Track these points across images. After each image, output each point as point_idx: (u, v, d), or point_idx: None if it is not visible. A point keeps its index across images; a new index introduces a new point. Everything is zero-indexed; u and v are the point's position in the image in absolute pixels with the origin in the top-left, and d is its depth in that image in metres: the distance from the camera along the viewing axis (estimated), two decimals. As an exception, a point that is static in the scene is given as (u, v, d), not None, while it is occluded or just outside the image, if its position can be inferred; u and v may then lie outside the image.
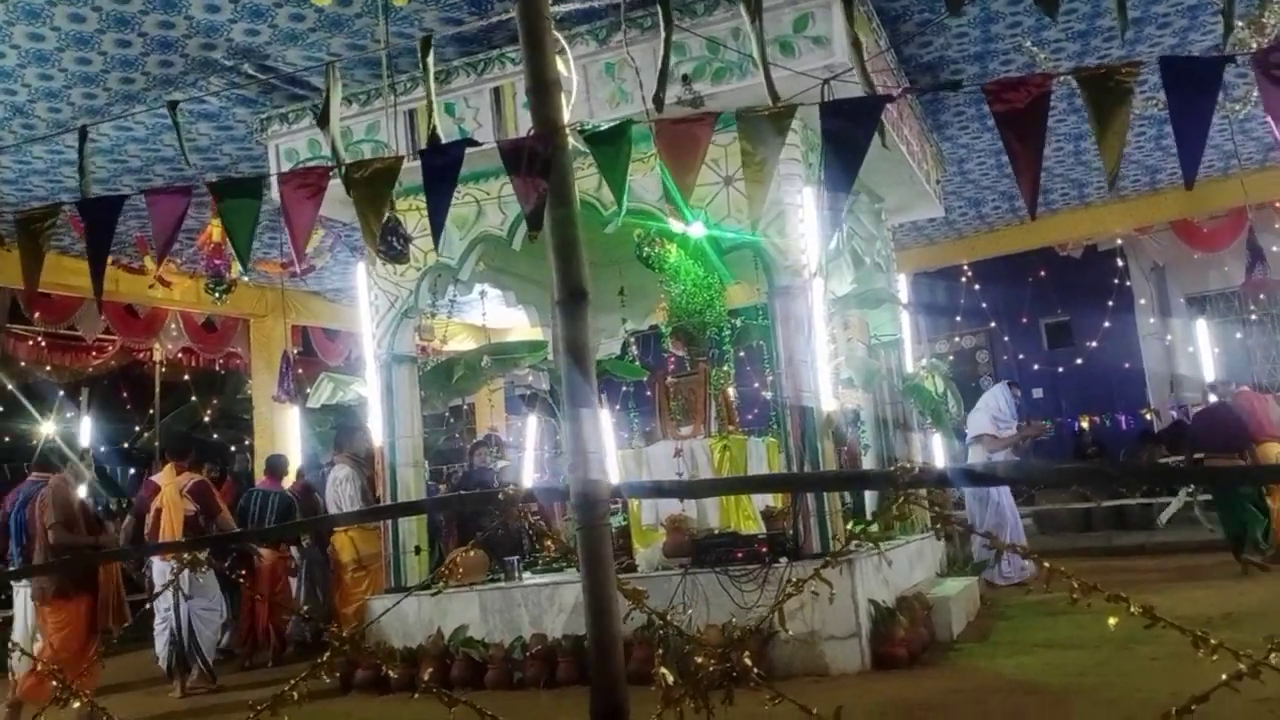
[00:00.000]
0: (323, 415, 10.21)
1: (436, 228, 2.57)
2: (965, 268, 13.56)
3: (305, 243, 3.00)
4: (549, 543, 6.76)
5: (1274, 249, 12.33)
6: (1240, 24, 5.76)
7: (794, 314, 6.27)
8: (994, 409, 9.50)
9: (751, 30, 2.70)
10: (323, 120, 3.33)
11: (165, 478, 7.66)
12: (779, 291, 6.34)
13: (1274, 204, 11.69)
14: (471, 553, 6.73)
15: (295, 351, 11.55)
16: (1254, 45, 5.67)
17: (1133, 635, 4.84)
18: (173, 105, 3.49)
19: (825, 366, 6.40)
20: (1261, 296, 13.05)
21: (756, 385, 10.37)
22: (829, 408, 6.41)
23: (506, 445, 10.30)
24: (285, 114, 7.22)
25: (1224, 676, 1.95)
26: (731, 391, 7.92)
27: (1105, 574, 8.93)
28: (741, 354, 9.12)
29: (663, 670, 2.31)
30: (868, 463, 8.61)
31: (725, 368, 7.77)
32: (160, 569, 7.38)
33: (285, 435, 11.45)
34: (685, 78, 5.99)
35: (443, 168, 2.55)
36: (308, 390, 10.96)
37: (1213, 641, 1.98)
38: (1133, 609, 2.02)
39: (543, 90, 2.25)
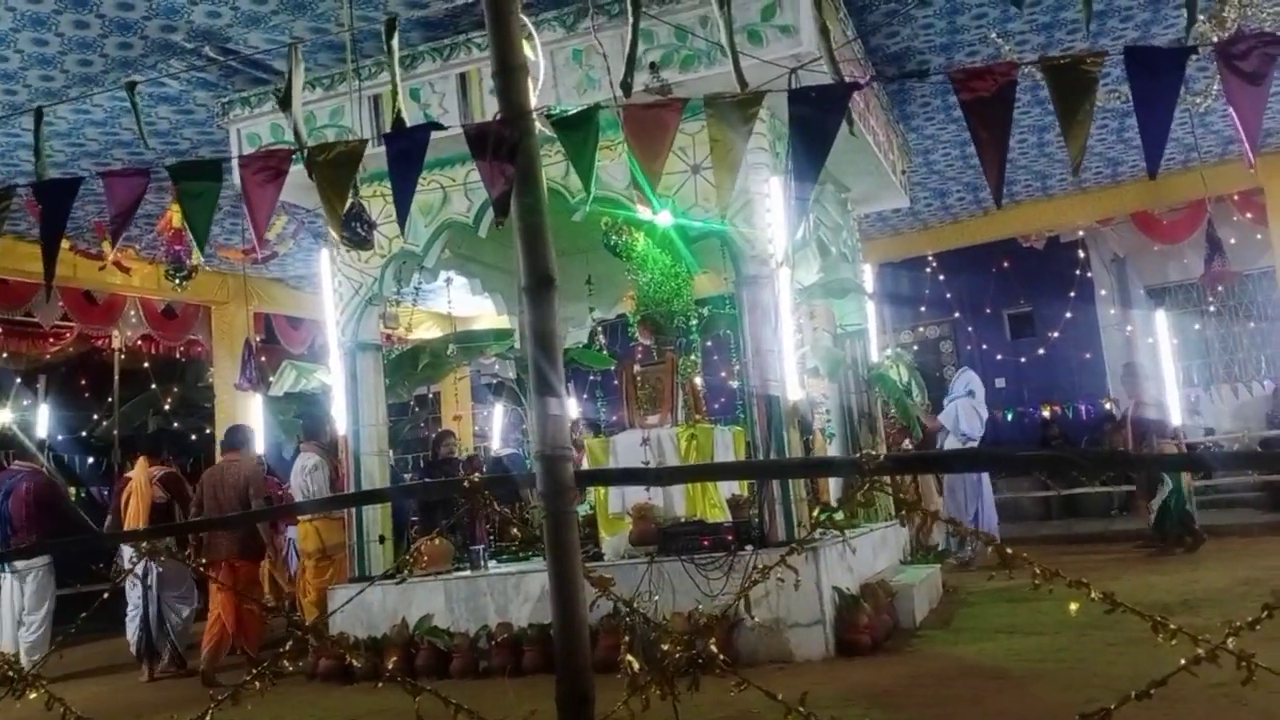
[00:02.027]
0: (286, 403, 10.08)
1: (401, 214, 2.54)
2: (930, 258, 13.68)
3: (266, 228, 2.95)
4: (514, 530, 6.74)
5: (1232, 241, 12.57)
6: (1202, 18, 5.84)
7: (761, 303, 6.28)
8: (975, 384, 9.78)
9: (719, 17, 2.69)
10: (285, 103, 3.27)
11: (137, 470, 7.87)
12: (746, 281, 6.35)
13: (1232, 197, 11.88)
14: (437, 541, 6.72)
15: (258, 339, 11.41)
16: (1215, 38, 5.75)
17: (1093, 621, 4.92)
18: (131, 87, 3.42)
19: (791, 356, 6.42)
20: (1220, 288, 13.27)
21: (724, 374, 10.40)
22: (795, 397, 6.44)
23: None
24: (247, 98, 7.11)
25: (1182, 661, 1.98)
26: (699, 380, 7.93)
27: (1065, 561, 9.16)
28: (709, 343, 9.14)
29: (629, 658, 2.31)
30: (833, 451, 8.66)
31: (692, 357, 7.77)
32: (129, 556, 7.37)
33: (248, 423, 11.29)
34: (653, 65, 5.97)
35: (407, 153, 2.52)
36: (270, 378, 10.82)
37: (1171, 626, 2.01)
38: (1093, 595, 2.05)
39: (509, 75, 2.22)
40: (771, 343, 6.25)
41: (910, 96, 8.53)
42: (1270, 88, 2.36)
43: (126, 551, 7.62)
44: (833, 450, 8.61)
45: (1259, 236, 12.05)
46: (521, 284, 2.13)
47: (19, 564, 7.57)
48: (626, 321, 8.39)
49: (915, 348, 14.82)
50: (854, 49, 6.80)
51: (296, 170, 2.90)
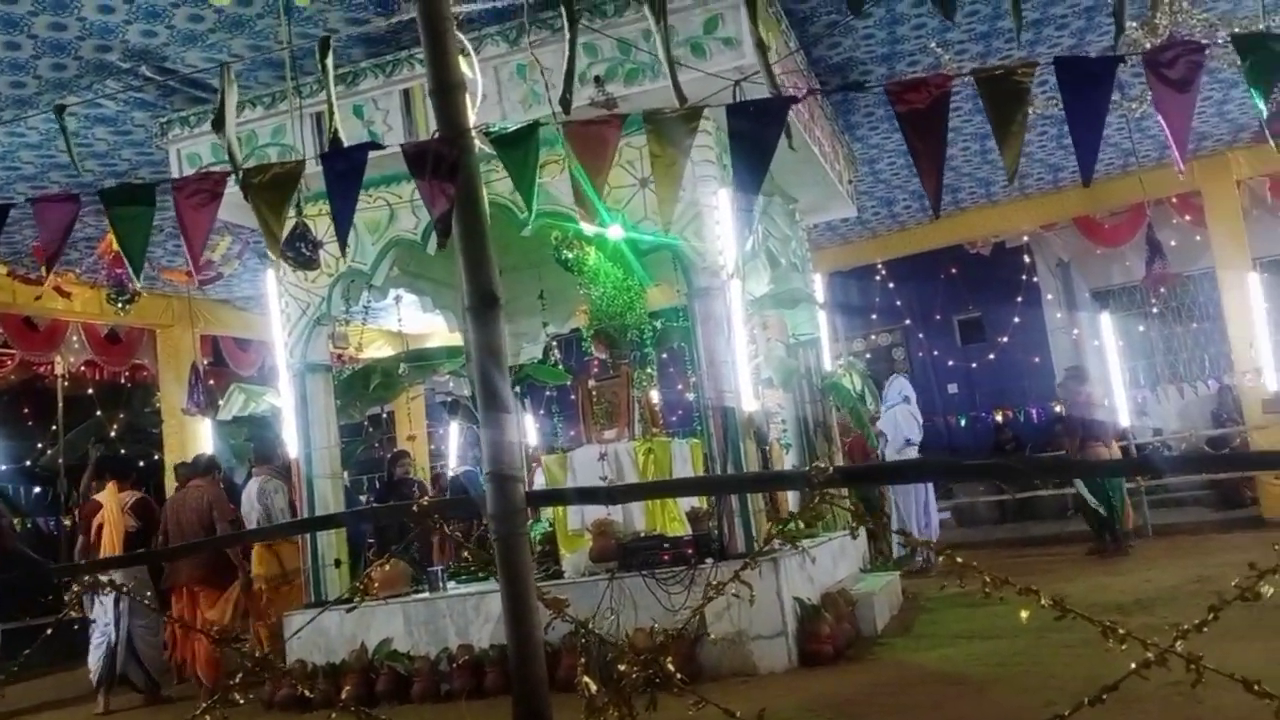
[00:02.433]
0: (236, 427, 9.91)
1: (342, 232, 2.49)
2: (879, 266, 13.80)
3: (202, 251, 2.89)
4: (465, 554, 6.65)
5: (1173, 243, 12.82)
6: (1134, 25, 5.95)
7: (713, 315, 6.29)
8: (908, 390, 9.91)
9: (657, 31, 2.68)
10: (217, 124, 3.21)
11: (108, 495, 7.76)
12: (698, 293, 6.35)
13: (1171, 200, 12.14)
14: (391, 564, 6.63)
15: (205, 362, 11.21)
16: (1147, 45, 5.87)
17: (1049, 624, 4.93)
18: (60, 109, 3.34)
19: (745, 366, 6.43)
20: (1162, 290, 13.51)
21: (680, 387, 10.40)
22: (750, 408, 6.44)
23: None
24: (186, 117, 6.98)
25: (1133, 665, 1.99)
26: (655, 394, 7.92)
27: (1021, 563, 9.29)
28: (664, 356, 9.14)
29: (585, 679, 2.27)
30: (790, 461, 8.69)
31: (648, 370, 7.76)
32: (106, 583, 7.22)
33: (197, 448, 11.06)
34: (598, 79, 5.97)
35: (346, 172, 2.48)
36: (219, 402, 10.63)
37: (1121, 631, 2.02)
38: (1043, 601, 2.06)
39: (446, 92, 2.19)
40: (725, 354, 6.26)
41: (855, 106, 8.62)
42: (1198, 94, 2.40)
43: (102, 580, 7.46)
44: (789, 460, 8.63)
45: (1198, 238, 12.32)
46: (465, 304, 2.10)
47: None
48: (581, 336, 8.36)
49: (868, 355, 14.95)
50: (797, 60, 6.85)
51: (234, 191, 2.85)
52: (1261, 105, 2.73)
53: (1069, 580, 7.78)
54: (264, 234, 2.71)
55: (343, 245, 2.60)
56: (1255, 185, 11.83)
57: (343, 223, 2.50)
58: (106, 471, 8.31)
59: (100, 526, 7.56)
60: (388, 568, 6.28)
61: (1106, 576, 7.85)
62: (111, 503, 7.64)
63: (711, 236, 6.29)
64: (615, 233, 6.51)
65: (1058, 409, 13.51)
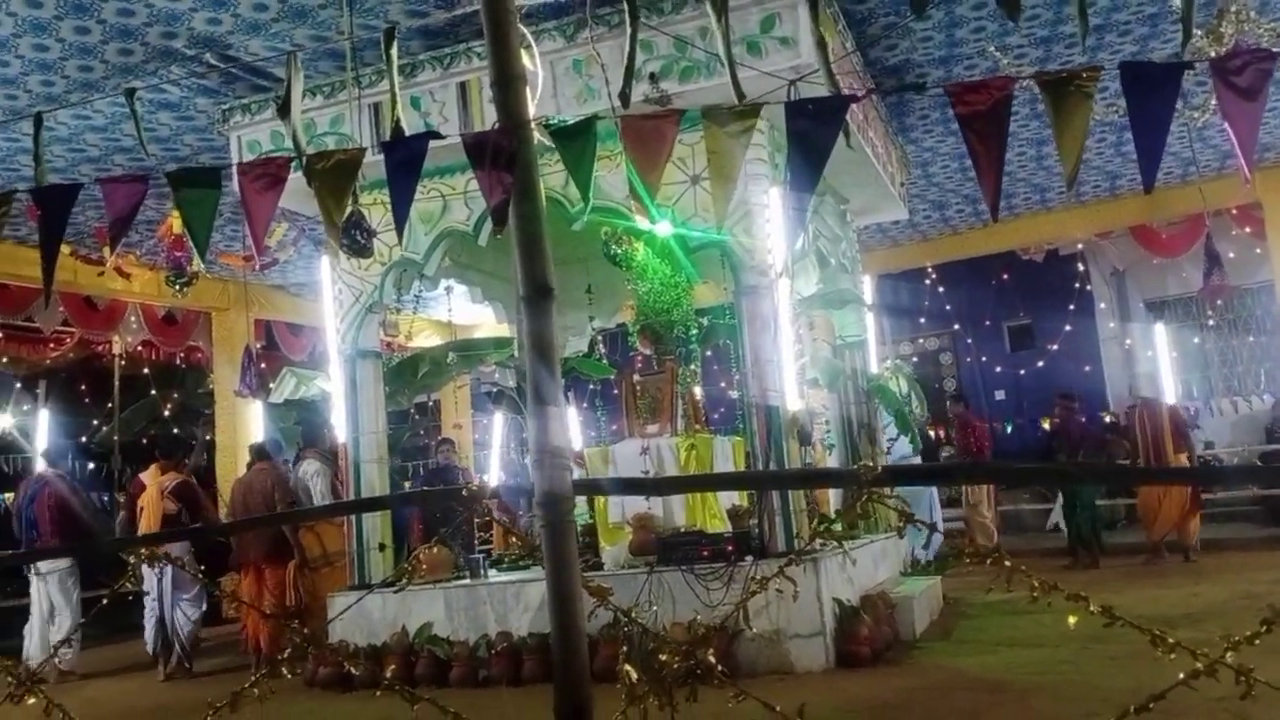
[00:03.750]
0: (286, 410, 10.08)
1: (400, 221, 2.54)
2: (929, 270, 13.68)
3: (265, 235, 2.96)
4: (514, 540, 6.72)
5: (1230, 255, 12.57)
6: (1199, 32, 5.85)
7: (760, 313, 6.29)
8: None
9: (717, 28, 2.69)
10: (284, 110, 3.28)
11: (150, 476, 8.03)
12: (745, 291, 6.35)
13: (1230, 211, 11.89)
14: (435, 550, 6.71)
15: (258, 345, 11.40)
16: (1212, 53, 5.76)
17: (1094, 634, 4.90)
18: (130, 93, 3.43)
19: (791, 366, 6.42)
20: (1219, 302, 13.27)
21: (724, 384, 10.39)
22: (794, 407, 6.43)
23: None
24: (247, 105, 7.12)
25: (1181, 675, 1.97)
26: (698, 390, 7.93)
27: (1068, 574, 9.18)
28: (709, 353, 9.14)
29: (627, 668, 2.30)
30: (832, 462, 8.65)
31: (692, 366, 7.77)
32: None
33: (248, 430, 11.29)
34: (652, 76, 5.98)
35: (406, 161, 2.52)
36: (270, 385, 10.82)
37: (1170, 640, 2.00)
38: (1092, 608, 2.04)
39: (507, 85, 2.22)
40: (771, 353, 6.25)
41: (909, 109, 8.55)
42: (1266, 103, 2.36)
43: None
44: (832, 461, 8.59)
45: (1258, 251, 12.06)
46: (519, 293, 2.13)
47: (43, 566, 7.83)
48: (626, 331, 8.40)
49: (915, 359, 14.83)
50: (853, 61, 6.81)
51: (296, 178, 2.91)
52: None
53: (1117, 592, 7.66)
54: (324, 219, 2.77)
55: (400, 234, 2.64)
56: (1320, 198, 11.54)
57: (401, 212, 2.55)
58: (155, 451, 8.56)
59: (142, 509, 7.83)
60: (435, 551, 6.35)
61: (1156, 589, 7.72)
62: (153, 487, 7.87)
63: (761, 235, 6.29)
64: (664, 229, 6.53)
65: (1108, 419, 13.36)
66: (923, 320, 14.43)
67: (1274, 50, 2.34)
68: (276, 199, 2.87)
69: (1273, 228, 10.99)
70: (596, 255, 7.86)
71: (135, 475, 8.86)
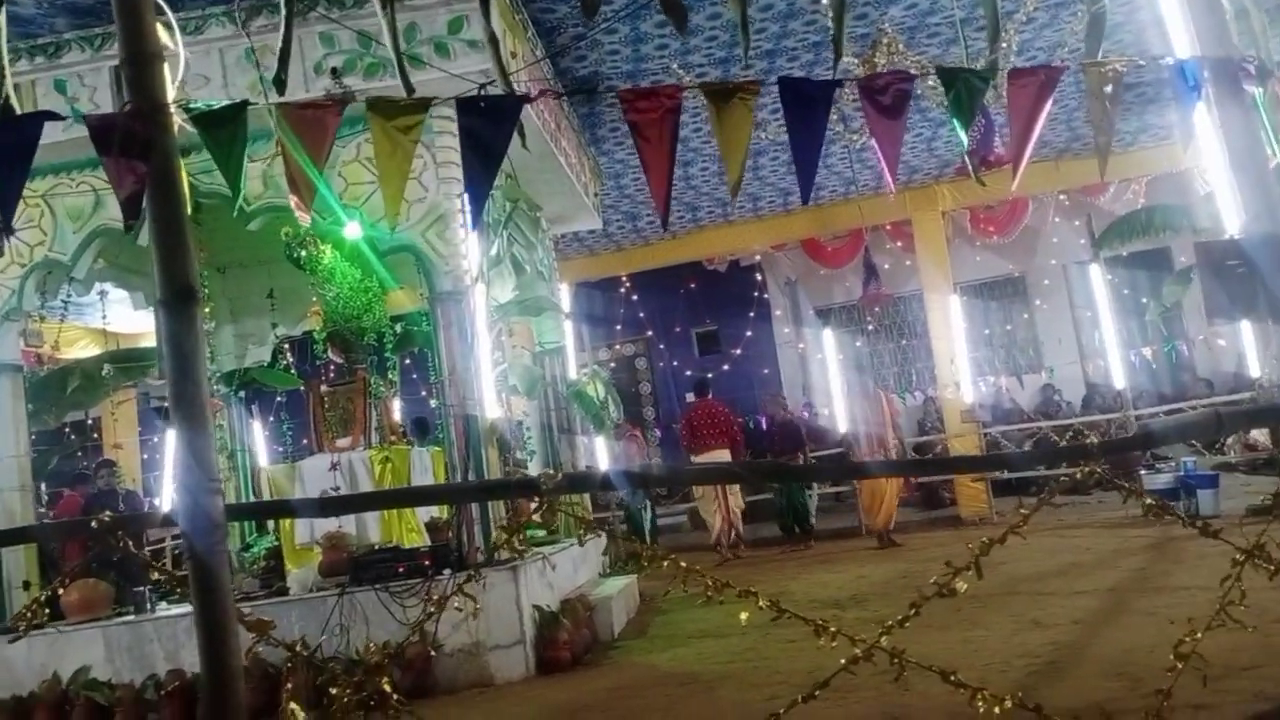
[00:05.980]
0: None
1: (7, 215, 2.18)
2: (623, 279, 14.15)
3: None
4: (154, 574, 6.10)
5: (886, 266, 14.08)
6: (855, 61, 6.42)
7: (456, 320, 6.16)
8: None
9: (383, 16, 2.56)
10: None
11: None
12: (440, 297, 6.20)
13: (885, 226, 13.28)
14: (88, 585, 6.03)
15: None
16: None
17: (775, 620, 5.21)
18: None
19: (489, 373, 6.33)
20: (876, 309, 14.79)
21: (424, 393, 10.11)
22: (493, 415, 6.35)
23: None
24: None
25: (842, 661, 2.09)
26: (396, 401, 7.64)
27: (760, 559, 9.82)
28: (408, 361, 8.85)
29: (292, 706, 2.11)
30: (534, 468, 8.66)
31: (389, 375, 7.48)
32: None
33: None
34: (334, 71, 5.70)
35: (13, 146, 2.17)
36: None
37: (832, 629, 2.11)
38: (761, 603, 2.12)
39: (141, 63, 1.96)
40: (468, 360, 6.14)
41: (601, 121, 8.76)
42: (906, 121, 2.59)
43: None
44: (534, 467, 8.60)
45: (908, 262, 13.54)
46: (157, 296, 1.88)
47: None
48: (314, 339, 7.94)
49: (612, 365, 15.25)
50: (543, 69, 6.86)
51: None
52: (963, 135, 2.99)
53: (793, 578, 8.24)
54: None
55: (8, 229, 2.28)
56: (957, 216, 13.18)
57: (8, 203, 2.19)
58: None
59: None
60: (92, 585, 5.67)
61: (826, 574, 8.37)
62: None
63: (455, 239, 6.15)
64: (352, 231, 6.23)
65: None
66: (619, 327, 14.92)
67: (913, 73, 2.56)
68: None
69: (920, 242, 12.33)
70: (279, 258, 7.38)
71: None
